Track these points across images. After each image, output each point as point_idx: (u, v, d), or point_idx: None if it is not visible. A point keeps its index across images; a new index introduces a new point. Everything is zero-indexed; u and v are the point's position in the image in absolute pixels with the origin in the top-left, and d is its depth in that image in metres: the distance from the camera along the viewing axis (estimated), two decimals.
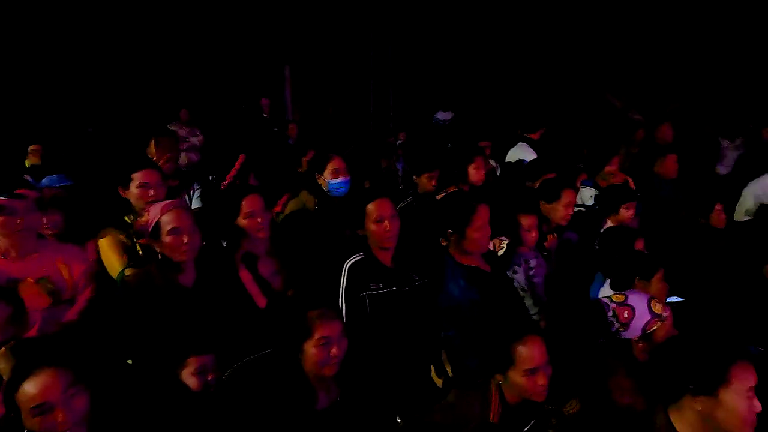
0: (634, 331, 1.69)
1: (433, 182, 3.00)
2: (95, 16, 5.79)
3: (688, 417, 1.25)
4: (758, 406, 1.20)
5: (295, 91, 6.96)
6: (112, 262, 2.00)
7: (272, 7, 6.49)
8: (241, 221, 1.89)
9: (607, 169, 3.40)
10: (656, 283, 2.04)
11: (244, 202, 1.88)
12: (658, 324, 1.67)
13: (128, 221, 2.07)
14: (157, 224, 1.69)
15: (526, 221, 2.37)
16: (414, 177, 3.12)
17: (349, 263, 1.93)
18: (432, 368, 2.05)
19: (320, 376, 1.46)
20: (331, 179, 2.62)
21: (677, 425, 1.26)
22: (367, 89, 6.96)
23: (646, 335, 1.68)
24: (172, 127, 4.97)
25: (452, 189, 2.95)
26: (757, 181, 3.48)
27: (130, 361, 1.78)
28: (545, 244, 2.67)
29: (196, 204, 2.63)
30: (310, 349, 1.42)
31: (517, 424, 1.60)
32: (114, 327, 1.76)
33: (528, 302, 2.29)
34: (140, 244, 1.97)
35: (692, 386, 1.23)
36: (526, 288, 2.31)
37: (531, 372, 1.48)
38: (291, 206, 2.75)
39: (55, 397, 1.18)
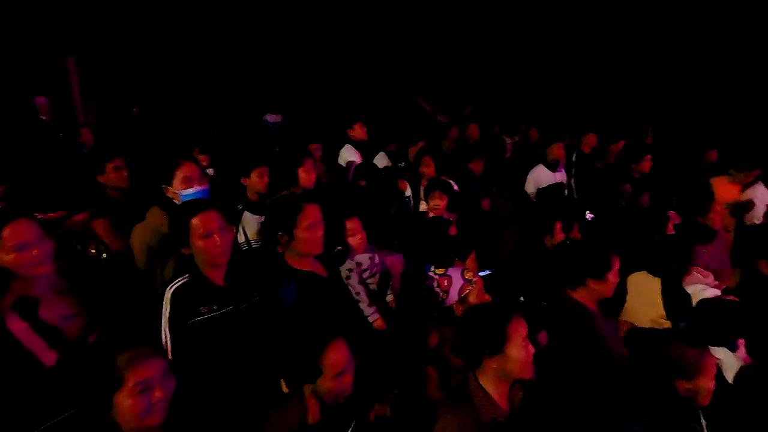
0: (453, 296, 2.01)
1: (265, 179, 2.84)
2: None
3: (490, 375, 1.52)
4: (532, 349, 1.53)
5: (84, 88, 5.72)
6: None
7: None
8: (4, 257, 1.45)
9: (423, 169, 3.80)
10: (470, 263, 2.41)
11: (5, 232, 1.45)
12: (470, 288, 2.01)
13: None
14: None
15: (349, 225, 2.42)
16: (242, 179, 2.91)
17: (172, 288, 1.68)
18: (282, 382, 1.95)
19: (143, 428, 1.22)
20: (183, 189, 2.26)
21: (484, 385, 1.52)
22: (183, 86, 6.12)
23: (462, 298, 1.99)
24: None
25: (284, 193, 2.87)
26: (534, 170, 4.39)
27: None
28: None
29: None
30: (125, 400, 1.17)
31: (340, 424, 1.65)
32: None
33: (362, 305, 2.34)
34: None
35: (487, 350, 1.49)
36: (359, 291, 2.35)
37: (339, 375, 1.58)
38: (139, 233, 2.28)
39: None
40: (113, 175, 2.76)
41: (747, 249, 3.80)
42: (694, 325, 2.27)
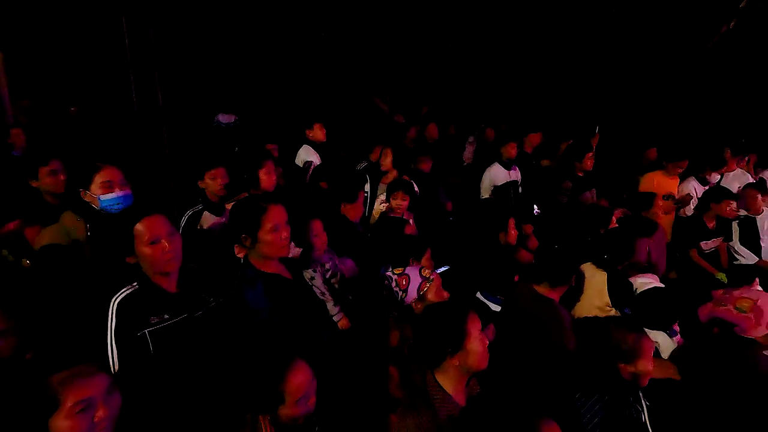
0: (411, 294, 2.02)
1: (219, 180, 2.77)
2: None
3: (451, 374, 1.55)
4: (486, 341, 1.58)
5: (15, 85, 5.25)
6: None
7: None
8: None
9: (381, 160, 3.84)
10: (425, 261, 2.46)
11: None
12: (428, 285, 2.03)
13: None
14: None
15: (314, 226, 2.42)
16: (198, 183, 2.83)
17: (118, 299, 1.59)
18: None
19: None
20: (103, 194, 2.17)
21: (443, 383, 1.55)
22: (126, 83, 5.70)
23: (420, 296, 2.01)
24: None
25: (243, 195, 2.81)
26: (490, 168, 4.52)
27: None
28: None
29: None
30: (62, 423, 1.09)
31: None
32: None
33: (329, 305, 2.36)
34: None
35: (449, 349, 1.53)
36: (324, 292, 2.37)
37: (302, 399, 1.50)
38: (48, 235, 2.15)
39: None
40: (49, 180, 2.59)
41: (681, 239, 4.14)
42: (638, 312, 2.45)
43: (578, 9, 6.81)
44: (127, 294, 1.60)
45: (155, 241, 1.61)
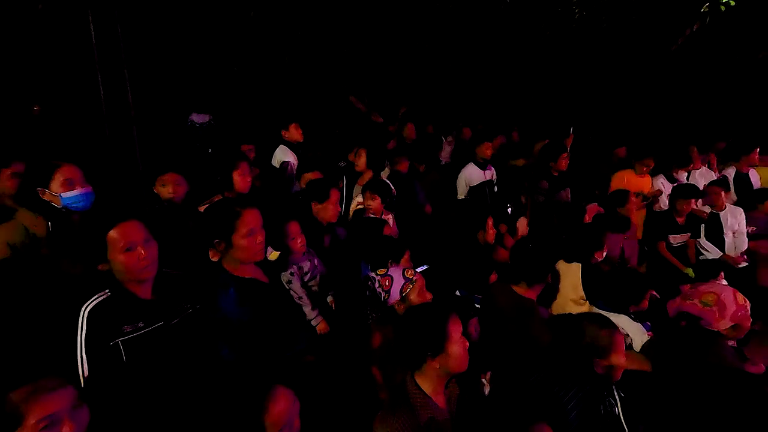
0: (394, 295, 2.03)
1: (169, 188, 2.63)
2: None
3: (431, 376, 1.57)
4: (467, 343, 1.60)
5: None
6: None
7: None
8: None
9: (355, 160, 3.82)
10: (404, 263, 2.47)
11: None
12: (410, 286, 2.04)
13: None
14: None
15: (291, 229, 2.40)
16: (153, 188, 2.70)
17: (89, 307, 1.52)
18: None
19: None
20: (64, 192, 2.13)
21: (423, 386, 1.57)
22: (93, 80, 5.46)
23: (403, 297, 2.02)
24: None
25: (217, 198, 2.74)
26: (465, 168, 4.57)
27: None
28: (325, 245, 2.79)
29: None
30: None
31: None
32: None
33: (306, 309, 2.34)
34: None
35: (430, 352, 1.54)
36: (302, 296, 2.35)
37: (285, 427, 1.38)
38: (4, 233, 2.07)
39: None
40: (10, 183, 2.49)
41: (651, 233, 4.30)
42: (604, 295, 2.53)
43: (552, 13, 6.97)
44: (99, 302, 1.54)
45: (130, 248, 1.56)
